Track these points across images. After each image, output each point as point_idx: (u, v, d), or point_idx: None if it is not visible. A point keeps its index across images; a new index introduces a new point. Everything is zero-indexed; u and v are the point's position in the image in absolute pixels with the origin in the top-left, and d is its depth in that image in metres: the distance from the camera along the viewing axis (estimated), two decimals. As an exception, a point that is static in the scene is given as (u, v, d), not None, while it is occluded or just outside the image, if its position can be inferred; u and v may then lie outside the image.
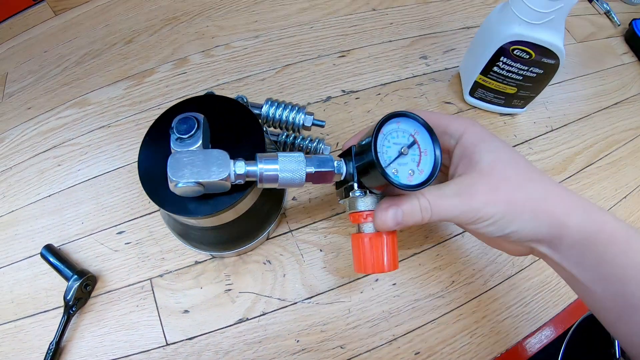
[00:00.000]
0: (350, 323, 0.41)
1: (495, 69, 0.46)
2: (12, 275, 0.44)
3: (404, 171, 0.29)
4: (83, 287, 0.41)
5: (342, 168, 0.32)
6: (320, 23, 0.57)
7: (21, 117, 0.51)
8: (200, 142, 0.30)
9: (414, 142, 0.30)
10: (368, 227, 0.32)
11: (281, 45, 0.55)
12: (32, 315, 0.42)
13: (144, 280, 0.43)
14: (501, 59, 0.44)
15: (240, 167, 0.29)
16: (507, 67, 0.45)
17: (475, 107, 0.52)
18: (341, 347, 0.40)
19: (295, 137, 0.44)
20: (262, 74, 0.53)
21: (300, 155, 0.31)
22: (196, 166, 0.29)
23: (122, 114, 0.51)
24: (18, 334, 0.42)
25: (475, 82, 0.49)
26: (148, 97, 0.51)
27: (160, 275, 0.43)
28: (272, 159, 0.30)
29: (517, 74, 0.45)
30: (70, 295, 0.40)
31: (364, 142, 0.29)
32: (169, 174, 0.28)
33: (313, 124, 0.38)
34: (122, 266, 0.43)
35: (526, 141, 0.51)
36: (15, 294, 0.43)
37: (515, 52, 0.43)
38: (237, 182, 0.30)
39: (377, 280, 0.42)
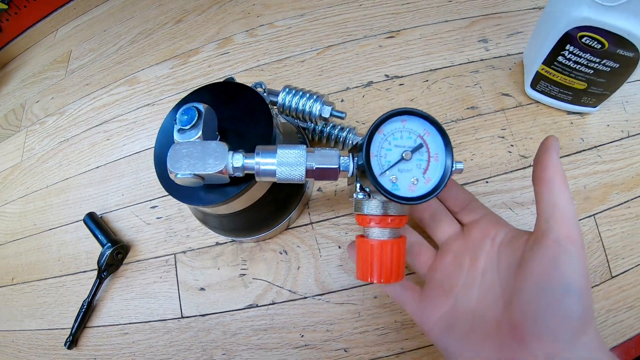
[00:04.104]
0: (358, 327, 0.40)
1: (560, 59, 0.39)
2: (60, 237, 0.50)
3: (406, 179, 0.27)
4: (115, 255, 0.46)
5: (349, 165, 0.30)
6: (371, 0, 0.53)
7: (79, 93, 0.58)
8: (200, 133, 0.30)
9: (421, 145, 0.27)
10: (373, 233, 0.31)
11: (326, 24, 0.53)
12: (73, 274, 0.48)
13: (169, 255, 0.46)
14: (567, 47, 0.37)
15: (238, 160, 0.29)
16: (574, 58, 0.38)
17: (538, 102, 0.45)
18: (345, 350, 0.39)
19: (325, 125, 0.43)
20: (302, 55, 0.51)
21: (301, 149, 0.30)
22: (193, 158, 0.29)
23: (166, 92, 0.54)
24: (60, 288, 0.48)
25: (538, 73, 0.42)
26: (191, 76, 0.54)
27: (184, 252, 0.46)
28: (271, 152, 0.30)
29: (587, 66, 0.38)
30: (102, 261, 0.45)
31: (361, 141, 0.27)
32: (168, 165, 0.29)
33: (332, 115, 0.36)
34: (152, 239, 0.47)
35: (595, 147, 0.43)
36: (62, 253, 0.50)
37: (584, 41, 0.36)
38: (235, 174, 0.30)
39: (394, 286, 0.40)
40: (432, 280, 0.32)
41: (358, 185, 0.30)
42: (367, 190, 0.29)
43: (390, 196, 0.25)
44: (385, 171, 0.26)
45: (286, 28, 0.54)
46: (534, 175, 0.28)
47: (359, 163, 0.28)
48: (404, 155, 0.26)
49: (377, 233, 0.30)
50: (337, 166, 0.30)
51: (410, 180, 0.26)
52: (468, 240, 0.31)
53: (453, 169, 0.29)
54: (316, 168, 0.29)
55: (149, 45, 0.57)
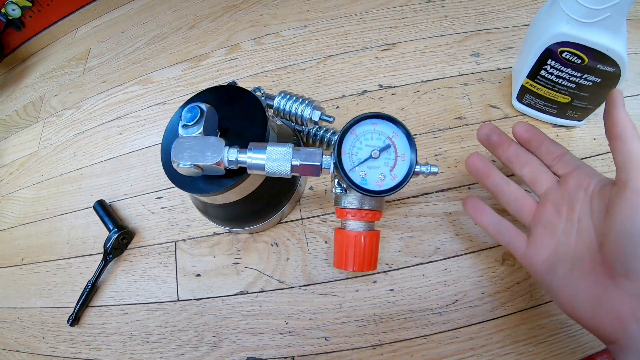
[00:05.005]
0: (339, 318, 0.44)
1: (543, 73, 0.43)
2: (71, 221, 0.57)
3: (374, 175, 0.32)
4: (120, 240, 0.52)
5: (331, 163, 0.35)
6: (371, 14, 0.59)
7: (96, 89, 0.65)
8: (202, 129, 0.36)
9: (389, 146, 0.32)
10: (349, 225, 0.36)
11: (328, 35, 0.59)
12: (80, 256, 0.55)
13: (170, 242, 0.52)
14: (549, 62, 0.42)
15: (233, 154, 0.35)
16: (556, 72, 0.42)
17: (524, 114, 0.50)
18: (325, 339, 0.44)
19: (318, 129, 0.48)
20: (304, 64, 0.58)
21: (288, 147, 0.35)
22: (194, 150, 0.35)
23: (177, 93, 0.60)
24: (67, 269, 0.55)
25: (523, 86, 0.47)
26: (201, 79, 0.60)
27: (184, 240, 0.51)
28: (261, 148, 0.35)
29: (569, 80, 0.42)
30: (108, 245, 0.51)
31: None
32: (172, 155, 0.35)
33: (321, 119, 0.42)
34: (156, 227, 0.53)
35: (580, 159, 0.48)
36: (71, 237, 0.56)
37: (564, 56, 0.40)
38: (230, 167, 0.36)
39: (375, 282, 0.45)
40: (536, 227, 0.36)
41: (336, 181, 0.35)
42: (344, 185, 0.35)
43: (358, 189, 0.31)
44: (355, 167, 0.32)
45: (290, 38, 0.60)
46: (607, 132, 0.32)
47: (334, 161, 0.34)
48: (372, 153, 0.32)
49: (353, 225, 0.36)
50: (319, 163, 0.35)
51: (378, 176, 0.32)
52: (564, 190, 0.35)
53: (428, 171, 0.34)
54: (300, 164, 0.35)
55: (163, 47, 0.65)
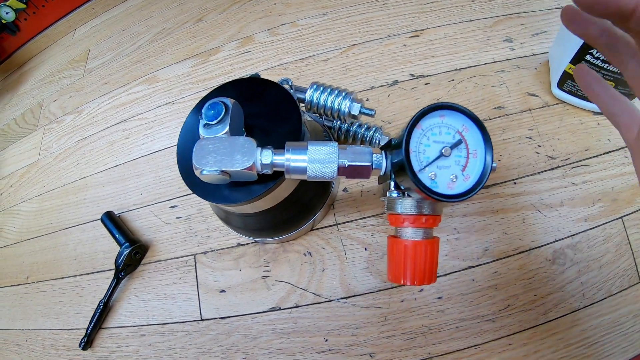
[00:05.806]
0: (384, 332, 0.39)
1: (588, 57, 0.38)
2: (77, 235, 0.50)
3: (445, 176, 0.26)
4: (133, 255, 0.45)
5: (382, 163, 0.29)
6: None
7: (98, 92, 0.58)
8: (227, 128, 0.29)
9: (460, 141, 0.26)
10: (406, 233, 0.30)
11: (349, 23, 0.53)
12: (89, 273, 0.48)
13: (189, 256, 0.45)
14: None
15: (267, 156, 0.28)
16: (602, 57, 0.38)
17: (564, 102, 0.45)
18: (370, 356, 0.38)
19: (351, 124, 0.42)
20: (326, 54, 0.51)
21: (333, 146, 0.29)
22: (220, 154, 0.28)
23: (187, 91, 0.54)
24: (76, 288, 0.48)
25: (565, 72, 0.42)
26: (211, 75, 0.54)
27: (204, 253, 0.45)
28: (302, 148, 0.29)
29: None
30: (120, 261, 0.45)
31: (399, 138, 0.27)
32: (193, 161, 0.28)
33: (361, 113, 0.36)
34: (171, 239, 0.47)
35: (622, 148, 0.43)
36: (78, 252, 0.49)
37: None
38: (264, 171, 0.29)
39: (421, 290, 0.40)
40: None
41: (393, 183, 0.29)
42: (402, 188, 0.29)
43: (431, 193, 0.25)
44: (425, 167, 0.25)
45: (308, 27, 0.53)
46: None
47: (395, 160, 0.27)
48: (443, 151, 0.25)
49: (411, 233, 0.30)
50: (370, 164, 0.29)
51: (449, 178, 0.26)
52: None
53: (494, 165, 0.28)
54: (348, 165, 0.29)
55: (168, 44, 0.58)
